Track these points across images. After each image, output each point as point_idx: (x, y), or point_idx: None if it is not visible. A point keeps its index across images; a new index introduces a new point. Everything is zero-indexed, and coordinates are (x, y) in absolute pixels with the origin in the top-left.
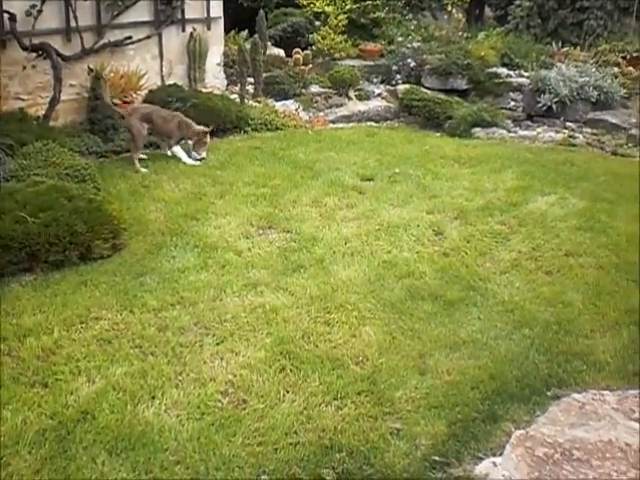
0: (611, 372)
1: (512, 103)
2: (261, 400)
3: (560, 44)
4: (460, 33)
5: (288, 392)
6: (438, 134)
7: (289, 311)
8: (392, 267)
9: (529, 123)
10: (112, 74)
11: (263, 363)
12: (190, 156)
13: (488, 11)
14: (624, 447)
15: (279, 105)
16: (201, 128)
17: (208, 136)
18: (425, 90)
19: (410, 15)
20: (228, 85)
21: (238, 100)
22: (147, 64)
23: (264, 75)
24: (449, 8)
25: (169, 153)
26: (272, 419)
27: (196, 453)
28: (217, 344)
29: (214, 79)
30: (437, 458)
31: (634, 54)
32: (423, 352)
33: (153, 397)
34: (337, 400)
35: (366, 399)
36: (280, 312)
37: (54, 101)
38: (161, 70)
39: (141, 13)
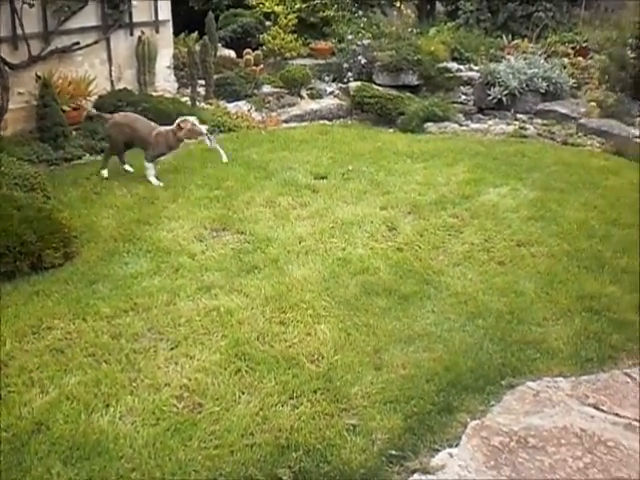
0: (564, 359)
1: (463, 97)
2: (217, 403)
3: (510, 37)
4: (410, 29)
5: (244, 393)
6: (391, 130)
7: (244, 312)
8: (346, 264)
9: (480, 116)
10: (60, 80)
11: (218, 366)
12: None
13: (439, 6)
14: (579, 432)
15: (231, 106)
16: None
17: (191, 125)
18: (377, 87)
19: (360, 12)
20: (179, 88)
21: (189, 103)
22: (96, 69)
23: (215, 77)
24: (398, 4)
25: (152, 180)
26: (228, 421)
27: (152, 459)
28: (171, 349)
29: (165, 82)
30: (394, 452)
31: (583, 44)
32: (378, 347)
33: (107, 405)
34: (293, 399)
35: (322, 397)
36: (235, 314)
37: (2, 110)
38: (110, 75)
39: (88, 18)
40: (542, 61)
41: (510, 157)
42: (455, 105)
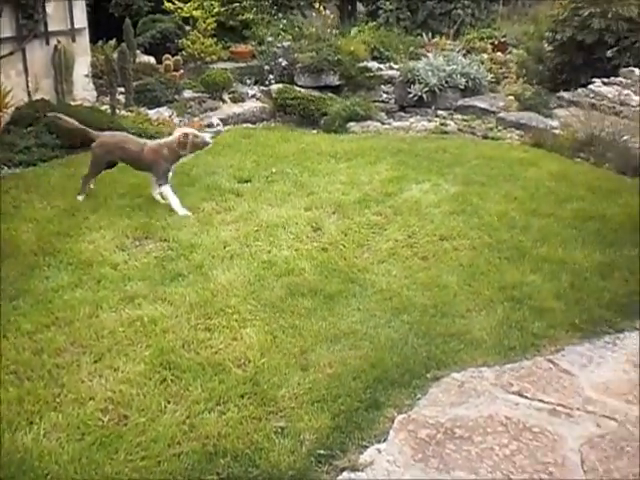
0: (488, 349)
1: (384, 95)
2: (142, 414)
3: (430, 35)
4: (329, 30)
5: (170, 403)
6: (314, 131)
7: (168, 321)
8: (272, 266)
9: (402, 114)
10: None
11: (143, 376)
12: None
13: (361, 6)
14: (504, 420)
15: (152, 113)
16: (173, 137)
17: (193, 137)
18: (299, 88)
19: (279, 15)
20: (99, 96)
21: (109, 111)
22: (12, 81)
23: (135, 84)
24: (317, 5)
25: (157, 197)
26: (154, 432)
27: (78, 474)
28: (95, 362)
29: (83, 91)
30: (322, 451)
31: (501, 39)
32: (305, 348)
33: (31, 422)
34: (220, 405)
35: (249, 401)
36: (159, 323)
37: None
38: (27, 86)
39: (3, 29)
40: (460, 58)
41: (432, 153)
42: (377, 104)
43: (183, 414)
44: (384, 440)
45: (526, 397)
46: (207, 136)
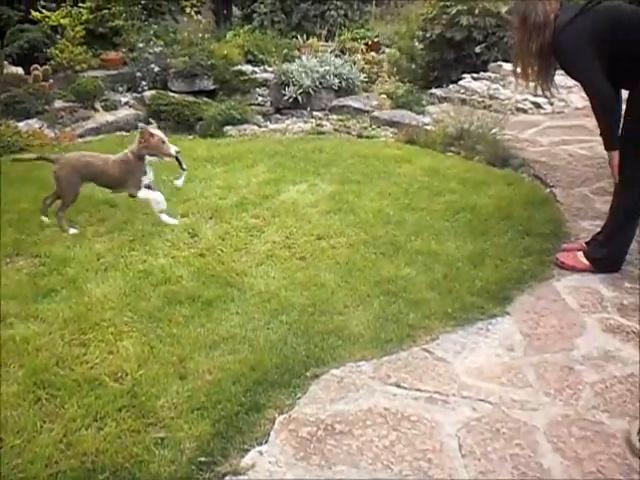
0: (365, 343)
1: (260, 98)
2: (17, 436)
3: (305, 37)
4: (200, 34)
5: (45, 422)
6: (190, 137)
7: (41, 338)
8: (148, 276)
9: (278, 116)
10: None
11: (17, 397)
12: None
13: (236, 10)
14: (383, 412)
15: (22, 125)
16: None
17: (157, 139)
18: (172, 94)
19: (150, 20)
20: None
21: None
22: None
23: (2, 95)
24: (187, 10)
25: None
26: (31, 453)
27: None
28: None
29: None
30: (203, 459)
31: (375, 39)
32: (183, 356)
33: None
34: (97, 421)
35: (127, 414)
36: (32, 341)
37: None
38: None
39: None
40: (333, 58)
41: (308, 154)
42: (253, 107)
43: (60, 432)
44: (265, 442)
45: (404, 387)
46: (173, 148)
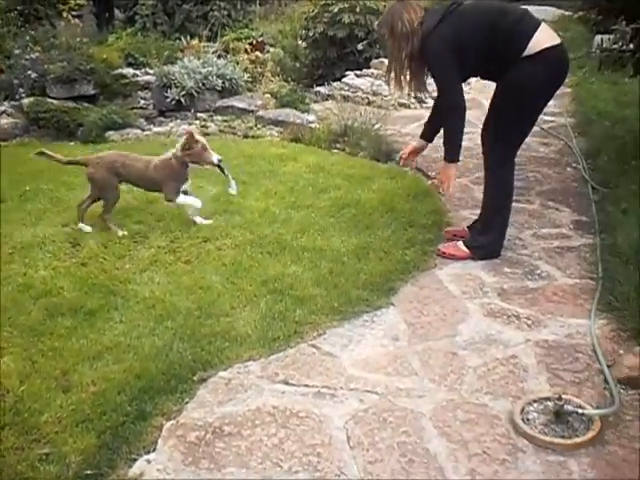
0: (252, 343)
1: (142, 102)
2: None
3: (188, 38)
4: (79, 39)
5: None
6: (72, 143)
7: None
8: (28, 289)
9: (162, 119)
10: None
11: None
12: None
13: (119, 13)
14: (272, 410)
15: None
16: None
17: (201, 146)
18: (52, 100)
19: (27, 26)
20: None
21: None
22: None
23: None
24: (65, 15)
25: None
26: None
27: None
28: None
29: None
30: (89, 472)
31: (259, 39)
32: (66, 369)
33: None
34: None
35: (10, 432)
36: None
37: None
38: None
39: None
40: (215, 59)
41: None
42: (135, 110)
43: None
44: (153, 450)
45: (292, 384)
46: (215, 156)
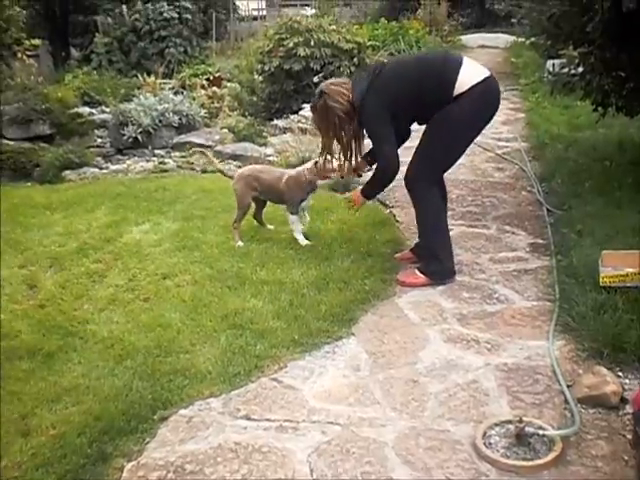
0: (213, 379)
1: (99, 140)
2: None
3: (145, 75)
4: (33, 78)
5: None
6: (28, 184)
7: None
8: None
9: (119, 157)
10: None
11: None
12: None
13: (75, 52)
14: (234, 446)
15: None
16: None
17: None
18: (7, 141)
19: None
20: None
21: None
22: None
23: None
24: (19, 55)
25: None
26: None
27: None
28: None
29: None
30: None
31: (216, 74)
32: (25, 413)
33: None
34: None
35: None
36: None
37: None
38: None
39: None
40: (171, 96)
41: (151, 193)
42: (92, 149)
43: None
44: None
45: (254, 419)
46: (335, 162)
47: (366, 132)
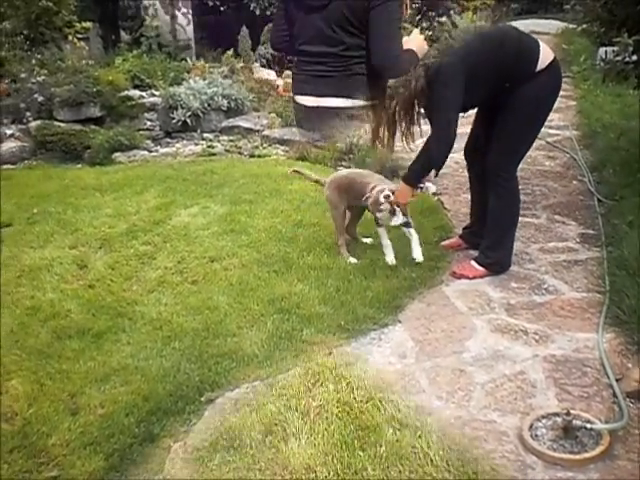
0: (260, 362)
1: (149, 123)
2: None
3: (195, 58)
4: (85, 61)
5: None
6: (79, 165)
7: None
8: (36, 312)
9: (168, 140)
10: None
11: None
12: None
13: (125, 35)
14: None
15: None
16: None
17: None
18: (59, 123)
19: (34, 50)
20: None
21: None
22: None
23: None
24: (70, 38)
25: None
26: None
27: None
28: None
29: None
30: None
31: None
32: (74, 392)
33: None
34: None
35: (19, 455)
36: None
37: None
38: None
39: None
40: (221, 80)
41: (200, 176)
42: (142, 132)
43: None
44: (161, 471)
45: None
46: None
47: (430, 100)
